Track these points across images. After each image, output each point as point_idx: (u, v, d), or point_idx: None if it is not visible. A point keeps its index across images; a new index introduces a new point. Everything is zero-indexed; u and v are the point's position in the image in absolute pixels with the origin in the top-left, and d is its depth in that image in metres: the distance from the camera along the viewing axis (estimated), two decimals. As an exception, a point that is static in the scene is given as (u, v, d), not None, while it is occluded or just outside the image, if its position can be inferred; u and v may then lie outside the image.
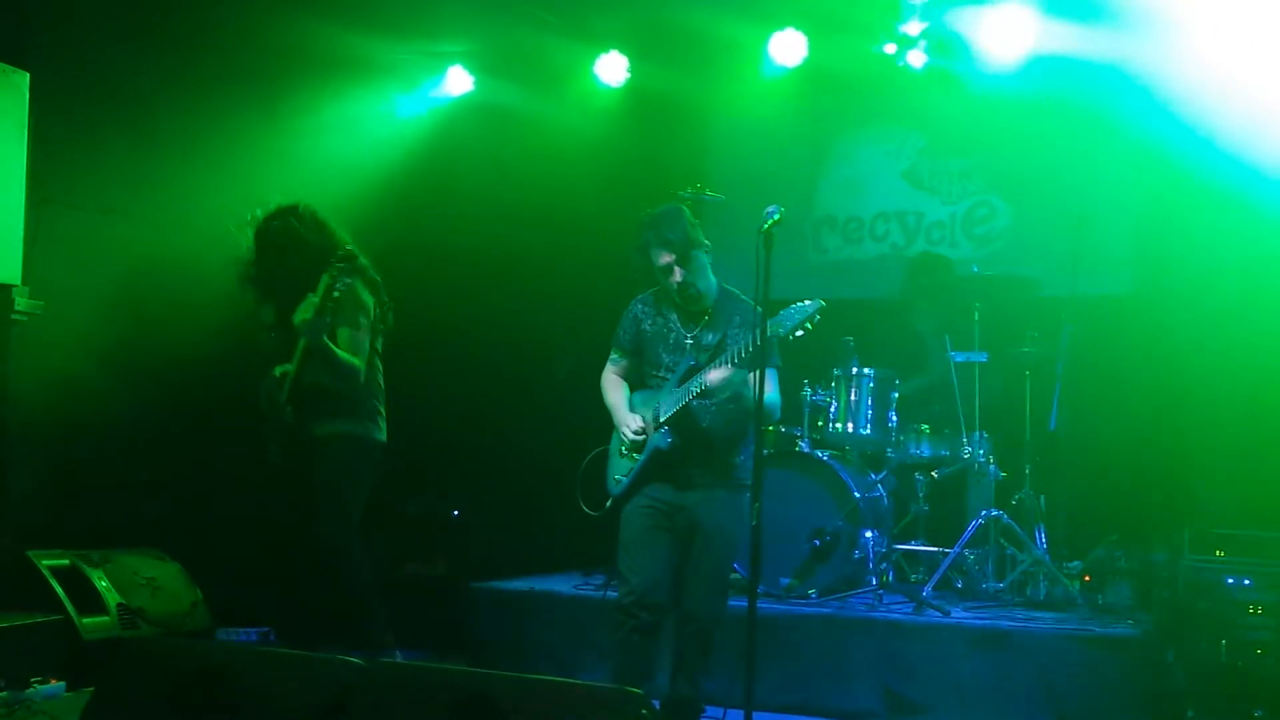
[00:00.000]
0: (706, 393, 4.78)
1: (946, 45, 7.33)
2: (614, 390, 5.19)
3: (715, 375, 4.72)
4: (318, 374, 5.47)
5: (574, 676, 3.66)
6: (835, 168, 8.08)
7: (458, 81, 8.22)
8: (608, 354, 5.26)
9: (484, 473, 7.97)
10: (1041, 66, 7.15)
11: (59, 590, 5.92)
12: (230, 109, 7.05)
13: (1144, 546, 6.53)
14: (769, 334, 4.51)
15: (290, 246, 5.58)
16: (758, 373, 4.46)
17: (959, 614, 5.99)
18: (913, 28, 7.32)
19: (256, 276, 5.69)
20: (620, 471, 5.07)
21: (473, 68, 8.20)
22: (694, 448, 4.91)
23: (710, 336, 5.00)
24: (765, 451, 6.44)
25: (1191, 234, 6.86)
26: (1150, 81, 6.86)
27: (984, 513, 6.40)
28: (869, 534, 6.36)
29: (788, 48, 7.52)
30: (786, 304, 4.58)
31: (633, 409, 5.07)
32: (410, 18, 7.55)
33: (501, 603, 6.62)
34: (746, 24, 7.50)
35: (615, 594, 5.14)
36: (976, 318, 6.54)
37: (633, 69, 7.86)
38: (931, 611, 5.97)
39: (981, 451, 6.53)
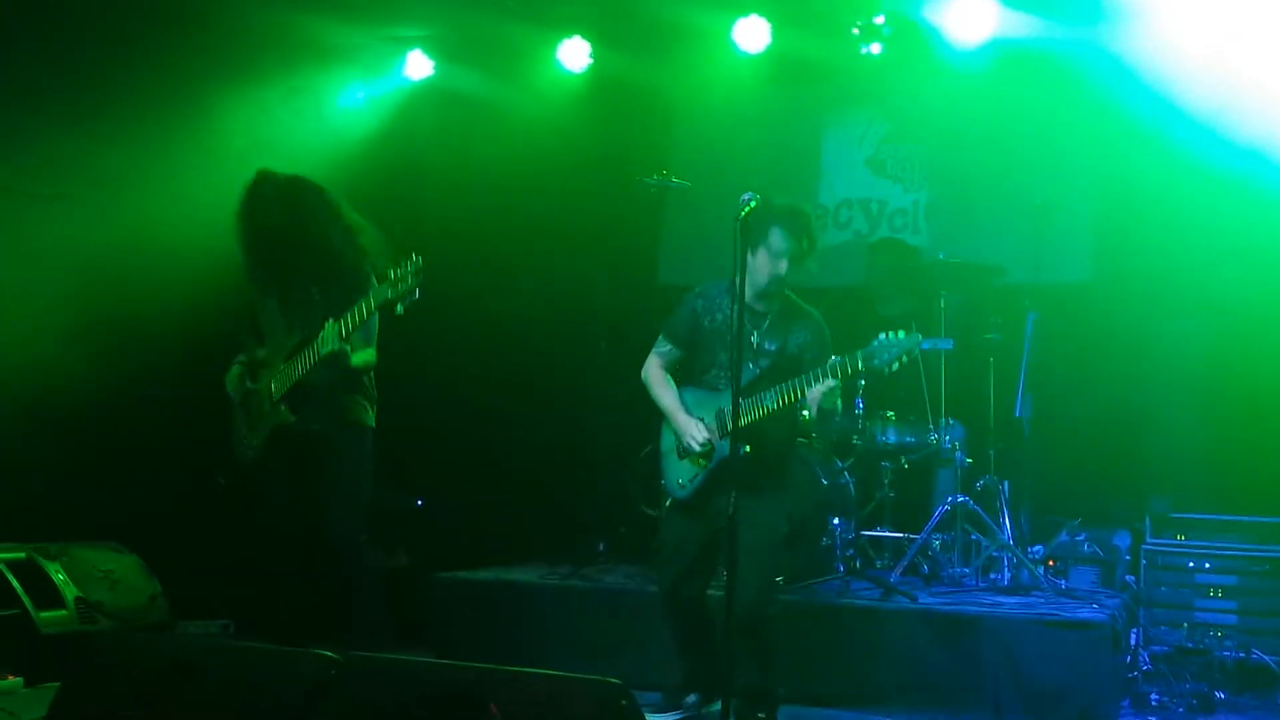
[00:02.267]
0: (782, 410, 4.77)
1: (909, 32, 7.33)
2: (665, 389, 5.14)
3: (815, 394, 4.70)
4: (320, 373, 5.09)
5: (542, 667, 3.61)
6: (799, 155, 8.06)
7: (418, 66, 8.14)
8: (653, 341, 5.20)
9: (446, 462, 7.92)
10: (1003, 53, 7.19)
11: (15, 584, 5.81)
12: (186, 94, 6.94)
13: (1106, 531, 6.59)
14: (862, 366, 4.59)
15: (311, 223, 5.11)
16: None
17: (926, 600, 6.01)
18: (876, 15, 7.32)
19: (254, 231, 5.15)
20: (684, 476, 5.06)
21: (433, 53, 8.13)
22: (762, 456, 4.86)
23: (771, 343, 4.96)
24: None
25: (1152, 221, 6.94)
26: (1112, 68, 6.92)
27: (950, 499, 6.42)
28: (836, 521, 6.36)
29: (751, 34, 7.51)
30: None
31: (687, 409, 5.05)
32: (369, 1, 7.46)
33: (466, 593, 6.56)
34: (710, 10, 7.48)
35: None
36: (942, 305, 6.56)
37: (595, 55, 7.82)
38: (899, 598, 5.99)
39: (948, 438, 6.55)
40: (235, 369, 5.37)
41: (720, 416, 4.92)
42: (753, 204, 4.47)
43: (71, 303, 6.47)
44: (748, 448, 4.72)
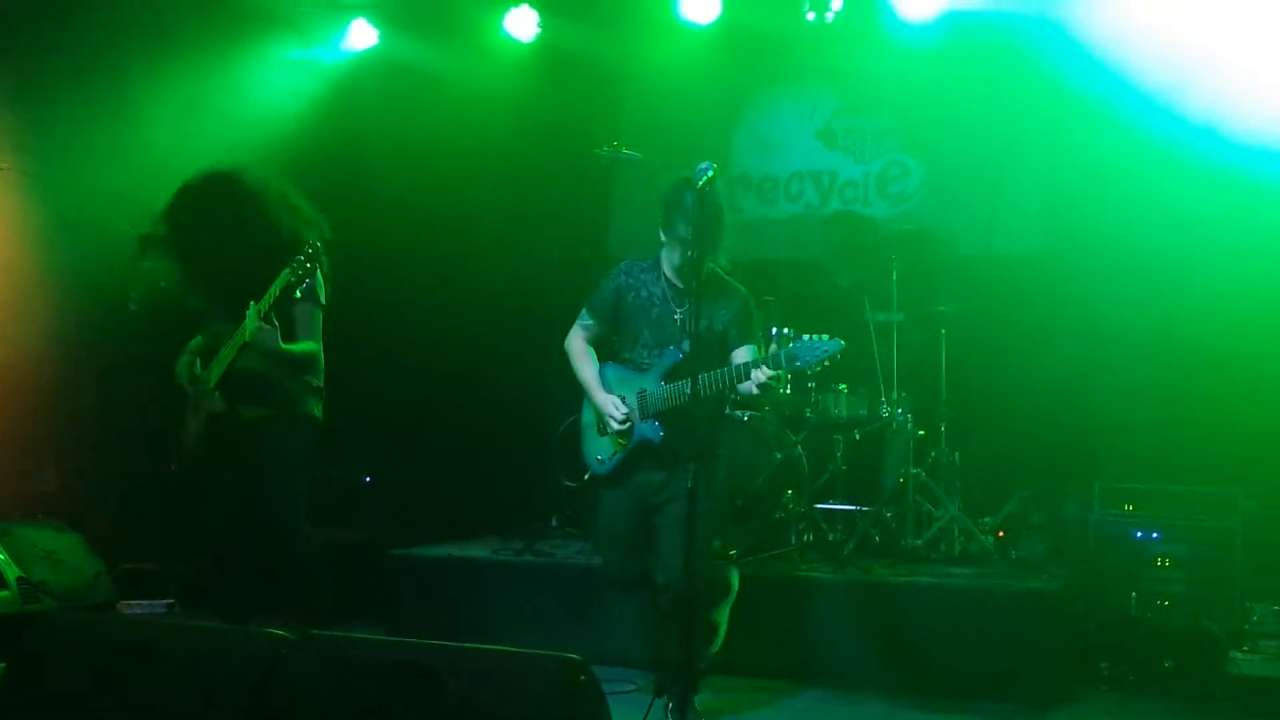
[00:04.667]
0: (706, 399, 4.70)
1: (861, 4, 7.30)
2: (586, 362, 5.07)
3: (759, 376, 4.61)
4: (253, 360, 5.09)
5: (497, 642, 3.59)
6: (750, 126, 8.03)
7: (362, 35, 7.99)
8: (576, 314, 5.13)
9: (398, 438, 7.84)
10: (955, 23, 7.19)
11: (-44, 565, 5.70)
12: (125, 65, 6.78)
13: (1056, 501, 6.65)
14: (787, 366, 4.58)
15: (225, 219, 5.09)
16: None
17: (879, 572, 6.04)
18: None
19: (174, 238, 5.22)
20: (602, 452, 5.01)
21: (377, 21, 7.98)
22: (682, 435, 4.80)
23: (695, 321, 4.82)
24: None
25: (1102, 193, 6.98)
26: (1063, 42, 6.95)
27: (901, 471, 6.44)
28: (789, 494, 6.36)
29: (701, 5, 7.45)
30: None
31: (608, 386, 4.98)
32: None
33: (419, 569, 6.51)
34: (660, -20, 7.41)
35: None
36: (895, 277, 6.55)
37: (544, 24, 7.70)
38: (852, 570, 6.00)
39: (899, 411, 6.56)
40: (184, 357, 5.35)
41: (642, 398, 4.87)
42: (710, 174, 4.43)
43: (16, 276, 6.31)
44: (664, 431, 4.80)
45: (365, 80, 8.05)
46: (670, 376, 4.83)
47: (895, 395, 6.58)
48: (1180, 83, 6.41)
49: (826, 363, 4.55)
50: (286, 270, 4.98)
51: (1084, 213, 7.03)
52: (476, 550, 6.64)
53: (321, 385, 5.32)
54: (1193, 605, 5.87)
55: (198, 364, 5.30)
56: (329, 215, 6.99)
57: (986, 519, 6.52)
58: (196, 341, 5.36)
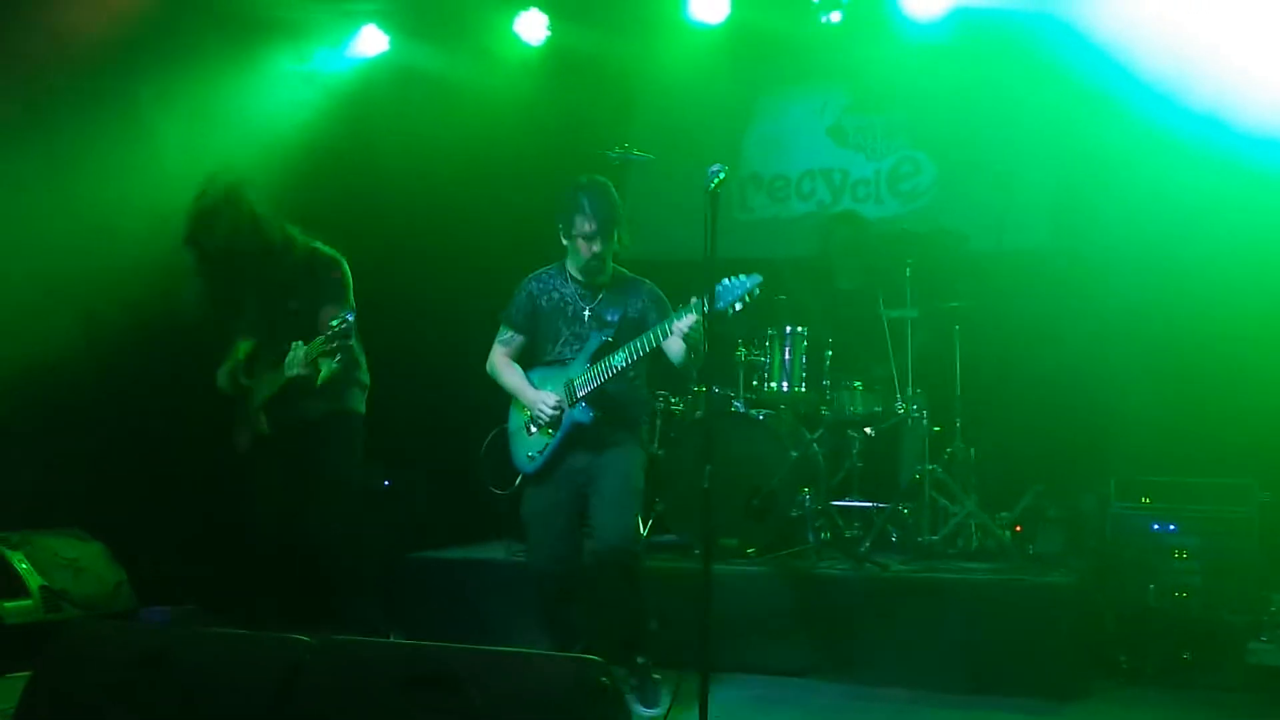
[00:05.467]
0: (624, 370, 4.96)
1: (870, 1, 7.30)
2: (509, 371, 5.31)
3: (682, 325, 4.76)
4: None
5: (512, 644, 3.61)
6: (760, 125, 8.03)
7: (373, 41, 8.01)
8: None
9: (411, 441, 7.85)
10: (965, 22, 7.18)
11: (-22, 575, 5.75)
12: (128, 72, 6.79)
13: (1072, 495, 6.64)
14: (705, 309, 4.58)
15: (244, 232, 5.18)
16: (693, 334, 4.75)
17: (896, 568, 6.04)
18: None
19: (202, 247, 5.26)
20: (533, 449, 5.19)
21: (387, 26, 7.99)
22: (609, 415, 5.08)
23: (612, 314, 5.15)
24: (698, 414, 6.52)
25: (1111, 187, 6.97)
26: (1071, 38, 6.94)
27: (917, 467, 6.44)
28: (806, 492, 6.37)
29: (710, 5, 7.45)
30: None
31: (534, 387, 5.18)
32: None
33: (438, 572, 6.54)
34: (669, -19, 7.42)
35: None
36: (908, 274, 6.55)
37: (553, 27, 7.70)
38: (870, 567, 6.01)
39: (914, 407, 6.56)
40: (226, 364, 5.43)
41: (569, 387, 5.09)
42: (722, 175, 4.46)
43: (31, 283, 6.35)
44: (593, 411, 5.01)
45: (376, 86, 8.06)
46: (595, 358, 5.05)
47: (910, 392, 6.58)
48: (1187, 75, 6.40)
49: (747, 299, 4.67)
50: (319, 340, 4.96)
51: (1095, 207, 7.03)
52: (494, 552, 6.66)
53: (368, 383, 5.50)
54: (1210, 596, 5.85)
55: (241, 371, 5.37)
56: (340, 221, 7.07)
57: (1003, 514, 6.51)
58: (242, 348, 5.41)
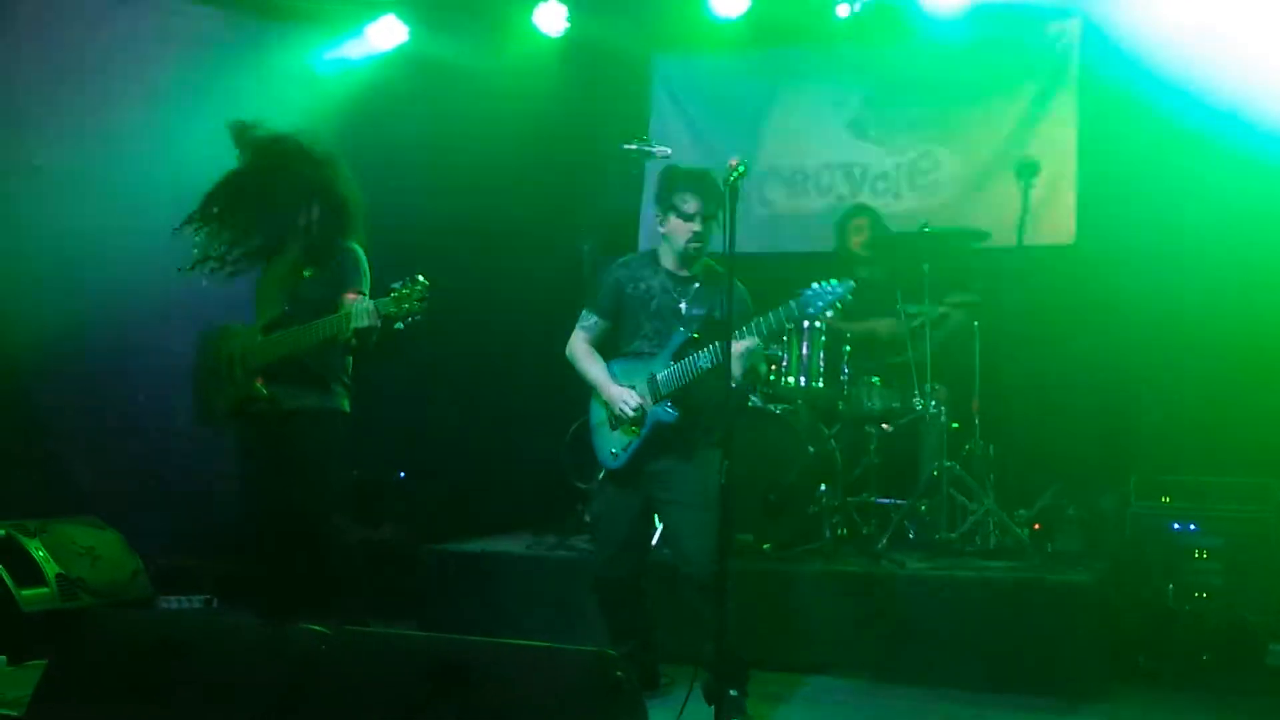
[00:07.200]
0: (716, 369, 4.73)
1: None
2: (592, 362, 5.12)
3: (738, 348, 4.63)
4: (314, 353, 5.16)
5: (530, 637, 3.60)
6: (779, 119, 7.98)
7: (392, 33, 8.01)
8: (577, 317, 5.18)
9: (428, 434, 7.86)
10: (983, 15, 7.14)
11: (-5, 562, 5.75)
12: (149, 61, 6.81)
13: (1091, 494, 6.60)
14: (797, 315, 4.66)
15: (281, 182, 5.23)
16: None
17: (913, 565, 6.01)
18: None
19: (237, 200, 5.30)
20: (616, 445, 5.04)
21: (407, 18, 7.99)
22: (694, 417, 4.91)
23: (696, 309, 4.96)
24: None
25: (1134, 184, 6.92)
26: (1093, 32, 6.90)
27: (936, 464, 6.41)
28: (823, 488, 6.34)
29: (730, -2, 7.44)
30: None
31: (615, 380, 5.03)
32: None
33: (453, 565, 6.52)
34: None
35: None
36: (926, 269, 6.51)
37: (572, 19, 7.70)
38: (887, 564, 5.98)
39: (933, 403, 6.53)
40: (209, 332, 5.40)
41: (652, 382, 4.94)
42: (742, 169, 4.43)
43: (49, 276, 6.37)
44: (676, 411, 4.85)
45: (395, 77, 8.06)
46: (679, 355, 4.89)
47: (929, 388, 6.54)
48: (1210, 71, 6.36)
49: (839, 306, 4.60)
50: (391, 300, 4.97)
51: (1115, 203, 6.97)
52: (510, 545, 6.65)
53: (350, 382, 5.40)
54: (1231, 597, 5.82)
55: (219, 339, 5.34)
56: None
57: (1022, 512, 6.47)
58: (235, 327, 5.38)
